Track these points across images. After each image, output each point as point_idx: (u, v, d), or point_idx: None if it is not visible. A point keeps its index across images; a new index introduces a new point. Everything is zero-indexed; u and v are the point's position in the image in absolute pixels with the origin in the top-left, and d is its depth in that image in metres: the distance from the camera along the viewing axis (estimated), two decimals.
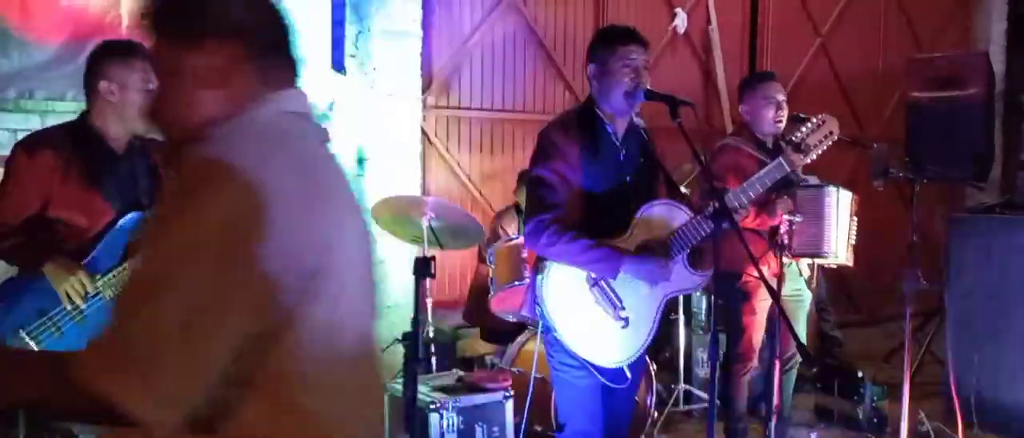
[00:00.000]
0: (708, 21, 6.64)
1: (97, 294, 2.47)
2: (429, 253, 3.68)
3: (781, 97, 3.79)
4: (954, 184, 5.79)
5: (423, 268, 2.27)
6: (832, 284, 6.26)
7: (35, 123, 4.55)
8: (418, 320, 2.33)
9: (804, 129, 2.77)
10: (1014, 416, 4.50)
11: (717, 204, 2.70)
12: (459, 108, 5.60)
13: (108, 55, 2.55)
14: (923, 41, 7.79)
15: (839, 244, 3.69)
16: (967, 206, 6.68)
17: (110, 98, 2.53)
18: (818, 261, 3.87)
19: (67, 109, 4.49)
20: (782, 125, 3.76)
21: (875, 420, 4.61)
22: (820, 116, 2.79)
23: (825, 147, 2.82)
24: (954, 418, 4.50)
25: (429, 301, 3.95)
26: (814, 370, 4.86)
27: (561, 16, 6.01)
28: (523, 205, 4.84)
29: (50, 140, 2.55)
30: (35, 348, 2.41)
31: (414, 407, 2.59)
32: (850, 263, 3.80)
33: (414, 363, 2.29)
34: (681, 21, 6.42)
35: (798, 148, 2.77)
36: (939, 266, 4.97)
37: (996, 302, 4.63)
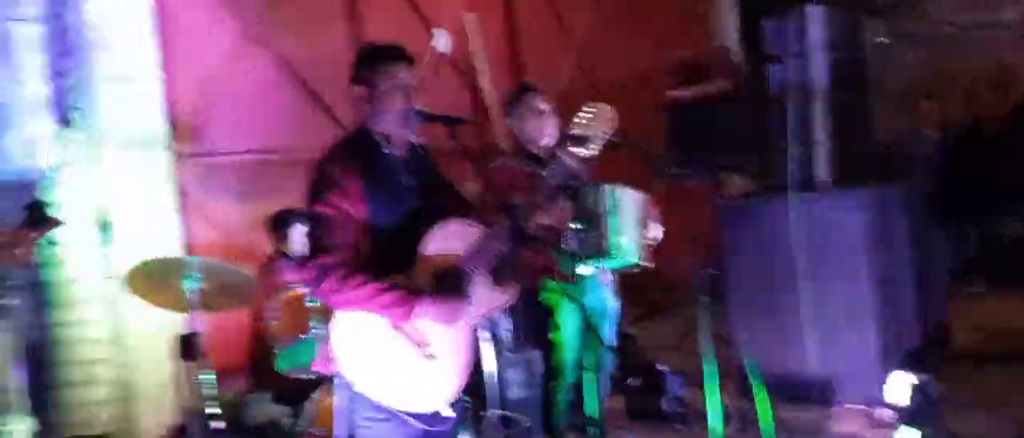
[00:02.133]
0: (469, 40, 6.59)
1: None
2: (194, 326, 3.22)
3: (544, 107, 3.79)
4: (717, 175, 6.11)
5: (189, 349, 1.89)
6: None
7: None
8: (195, 407, 1.94)
9: (577, 120, 2.65)
10: (801, 381, 4.75)
11: (509, 219, 2.55)
12: (215, 155, 5.10)
13: None
14: (666, 42, 8.20)
15: (624, 244, 3.65)
16: (727, 193, 7.09)
17: None
18: (607, 265, 3.81)
19: None
20: (552, 136, 3.74)
21: (678, 409, 4.71)
22: (593, 105, 2.68)
23: (606, 136, 2.71)
24: (750, 396, 4.70)
25: (204, 376, 3.48)
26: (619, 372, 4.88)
27: (316, 45, 5.67)
28: (287, 250, 4.55)
29: None
30: None
31: None
32: (648, 263, 3.79)
33: None
34: (442, 40, 6.29)
35: (578, 140, 2.64)
36: (710, 252, 5.20)
37: (769, 281, 4.89)
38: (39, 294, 3.50)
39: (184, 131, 4.91)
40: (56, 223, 2.07)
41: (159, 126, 4.64)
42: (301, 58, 5.59)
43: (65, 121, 4.39)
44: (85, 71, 4.42)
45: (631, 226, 3.69)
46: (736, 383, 4.94)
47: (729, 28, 8.61)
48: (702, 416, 4.61)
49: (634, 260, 3.72)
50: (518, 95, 3.90)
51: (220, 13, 5.22)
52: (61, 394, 4.62)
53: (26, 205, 2.07)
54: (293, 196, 5.23)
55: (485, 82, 6.64)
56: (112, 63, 4.43)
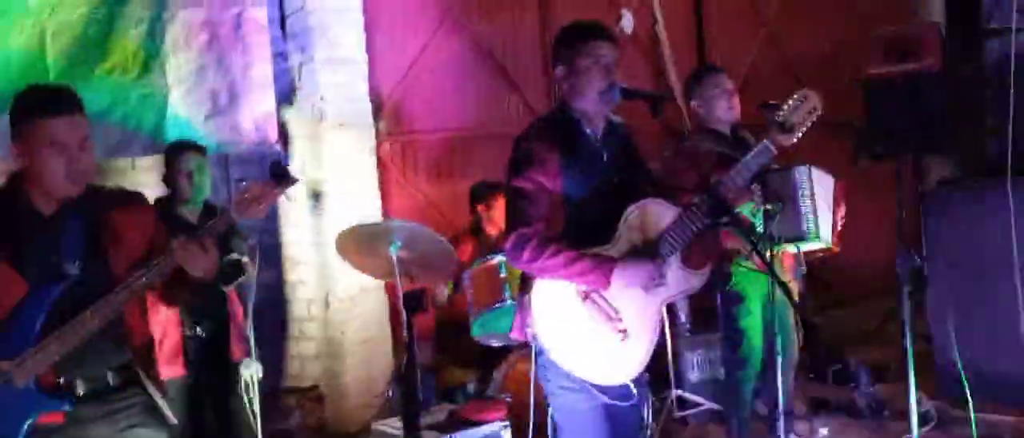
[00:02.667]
0: (654, 20, 6.55)
1: (7, 380, 2.13)
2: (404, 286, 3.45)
3: (730, 86, 3.78)
4: (918, 158, 5.75)
5: (414, 303, 2.06)
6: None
7: None
8: (414, 361, 2.12)
9: (786, 107, 2.61)
10: (1006, 385, 4.44)
11: (710, 198, 2.55)
12: (414, 132, 5.40)
13: (43, 118, 2.19)
14: (866, 17, 7.80)
15: (821, 226, 3.57)
16: (932, 179, 6.67)
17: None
18: (802, 247, 3.72)
19: None
20: (736, 113, 3.74)
21: (872, 405, 4.52)
22: (801, 92, 2.65)
23: (810, 124, 2.68)
24: (948, 395, 4.45)
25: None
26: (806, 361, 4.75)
27: (507, 28, 5.86)
28: (484, 221, 4.75)
29: None
30: None
31: None
32: (836, 248, 3.68)
33: (414, 407, 2.09)
34: (627, 21, 6.32)
35: (782, 127, 2.61)
36: (906, 240, 4.92)
37: (977, 272, 4.58)
38: (268, 255, 3.85)
39: (386, 110, 5.23)
40: (294, 181, 2.31)
41: (365, 105, 4.96)
42: (494, 40, 5.79)
43: (287, 100, 4.79)
44: (305, 54, 4.79)
45: (824, 208, 3.60)
46: (934, 381, 4.70)
47: (935, 2, 8.05)
48: (893, 413, 4.44)
49: (827, 243, 3.63)
50: (702, 75, 3.88)
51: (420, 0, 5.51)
52: (278, 348, 5.11)
53: (270, 164, 2.32)
54: (485, 172, 5.50)
55: (670, 62, 6.59)
56: (327, 46, 4.77)
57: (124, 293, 2.17)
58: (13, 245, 2.19)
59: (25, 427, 2.15)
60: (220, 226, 2.23)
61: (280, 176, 2.28)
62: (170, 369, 3.27)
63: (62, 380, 2.21)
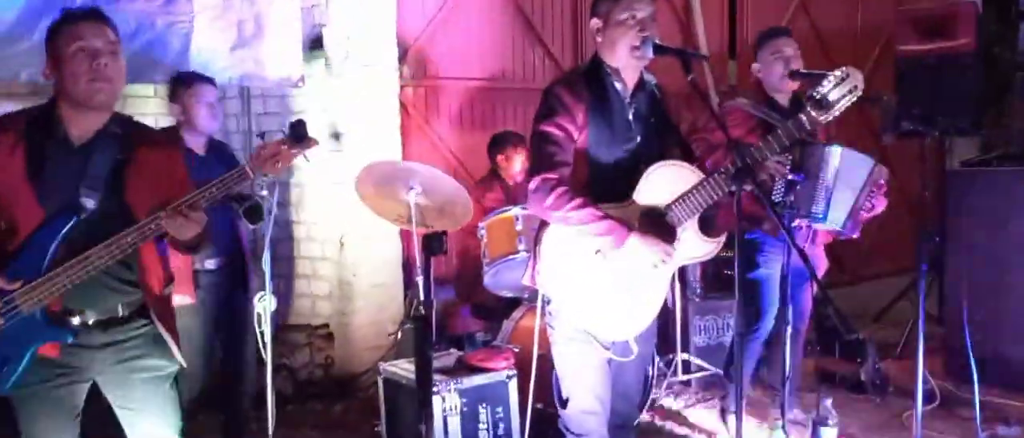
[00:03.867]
0: None
1: (14, 307, 2.13)
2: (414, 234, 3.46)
3: (790, 51, 3.66)
4: (945, 137, 5.68)
5: (434, 245, 2.07)
6: None
7: None
8: (431, 302, 2.13)
9: (826, 83, 2.57)
10: (1017, 371, 4.44)
11: (739, 162, 2.52)
12: (437, 78, 5.37)
13: (72, 24, 2.21)
14: None
15: (833, 210, 3.51)
16: (955, 159, 6.61)
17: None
18: (816, 226, 3.68)
19: (21, 91, 4.20)
20: (794, 82, 3.63)
21: (878, 382, 4.53)
22: (843, 68, 2.60)
23: (849, 103, 2.64)
24: (955, 376, 4.44)
25: (420, 279, 3.74)
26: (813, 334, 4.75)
27: None
28: (500, 171, 4.74)
29: (4, 124, 2.24)
30: None
31: (429, 392, 2.40)
32: (853, 234, 3.62)
33: (427, 347, 2.10)
34: None
35: (819, 104, 2.57)
36: (925, 222, 4.89)
37: (997, 257, 4.55)
38: (279, 194, 3.85)
39: (411, 54, 5.19)
40: (314, 143, 2.31)
41: (391, 48, 4.92)
42: None
43: (311, 37, 4.75)
44: None
45: (849, 194, 3.52)
46: (943, 362, 4.70)
47: None
48: (899, 391, 4.45)
49: (837, 227, 3.56)
50: (763, 37, 3.77)
51: None
52: (291, 284, 5.14)
53: (290, 123, 2.31)
54: (506, 123, 5.48)
55: (700, 25, 6.51)
56: None
57: (135, 235, 2.16)
58: (40, 173, 2.19)
59: (28, 353, 2.17)
60: (233, 182, 2.22)
61: (300, 137, 2.27)
62: (178, 295, 3.30)
63: (68, 310, 2.21)
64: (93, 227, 2.18)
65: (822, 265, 3.84)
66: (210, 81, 3.62)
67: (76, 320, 2.22)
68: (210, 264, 3.54)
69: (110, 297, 2.26)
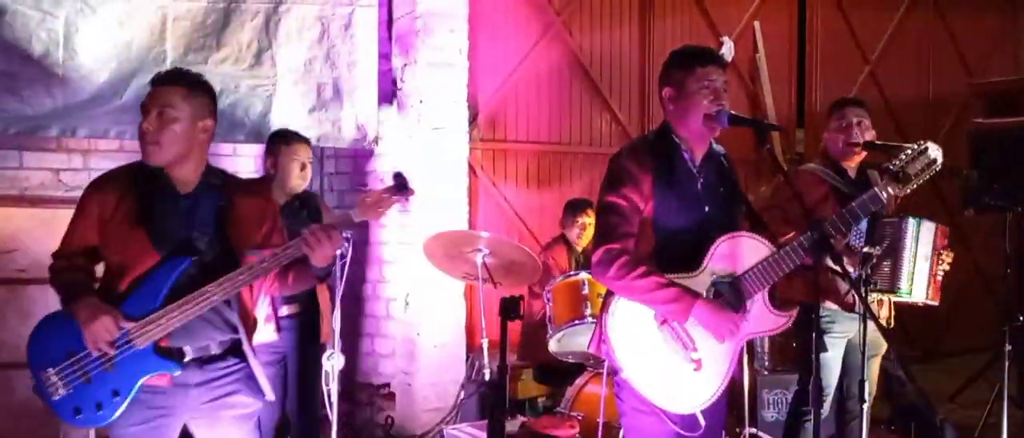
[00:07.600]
0: (755, 49, 6.48)
1: (128, 342, 2.29)
2: (485, 289, 3.48)
3: (856, 120, 3.60)
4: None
5: (511, 309, 2.08)
6: None
7: (77, 162, 4.45)
8: (505, 367, 2.13)
9: (903, 156, 2.53)
10: None
11: (815, 235, 2.49)
12: (506, 141, 5.45)
13: (151, 86, 2.42)
14: (972, 67, 7.57)
15: (917, 281, 3.43)
16: None
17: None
18: (894, 299, 3.59)
19: (110, 147, 4.40)
20: (858, 151, 3.56)
21: None
22: (921, 142, 2.56)
23: (926, 177, 2.59)
24: None
25: (485, 341, 3.76)
26: (887, 413, 4.59)
27: (606, 44, 5.88)
28: (570, 236, 4.77)
29: (114, 177, 2.45)
30: (62, 392, 2.29)
31: None
32: (934, 301, 3.54)
33: (501, 414, 2.10)
34: (728, 49, 6.27)
35: (896, 178, 2.53)
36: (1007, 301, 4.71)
37: None
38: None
39: (482, 117, 5.29)
40: (412, 193, 2.44)
41: (462, 110, 5.02)
42: (592, 57, 5.81)
43: (387, 99, 4.88)
44: (408, 55, 4.88)
45: (925, 262, 3.45)
46: None
47: None
48: None
49: (920, 298, 3.48)
50: (835, 105, 3.73)
51: (525, 9, 5.56)
52: (356, 342, 5.19)
53: (394, 174, 2.47)
54: (572, 187, 5.52)
55: (768, 93, 6.50)
56: (430, 50, 4.85)
57: (247, 274, 2.33)
58: (152, 220, 2.36)
59: (137, 386, 2.30)
60: (343, 225, 2.39)
61: (401, 186, 2.48)
62: (261, 334, 3.38)
63: (173, 346, 2.35)
64: (203, 268, 2.34)
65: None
66: (307, 142, 3.75)
67: (182, 353, 2.35)
68: (285, 310, 3.62)
69: (208, 334, 2.39)
